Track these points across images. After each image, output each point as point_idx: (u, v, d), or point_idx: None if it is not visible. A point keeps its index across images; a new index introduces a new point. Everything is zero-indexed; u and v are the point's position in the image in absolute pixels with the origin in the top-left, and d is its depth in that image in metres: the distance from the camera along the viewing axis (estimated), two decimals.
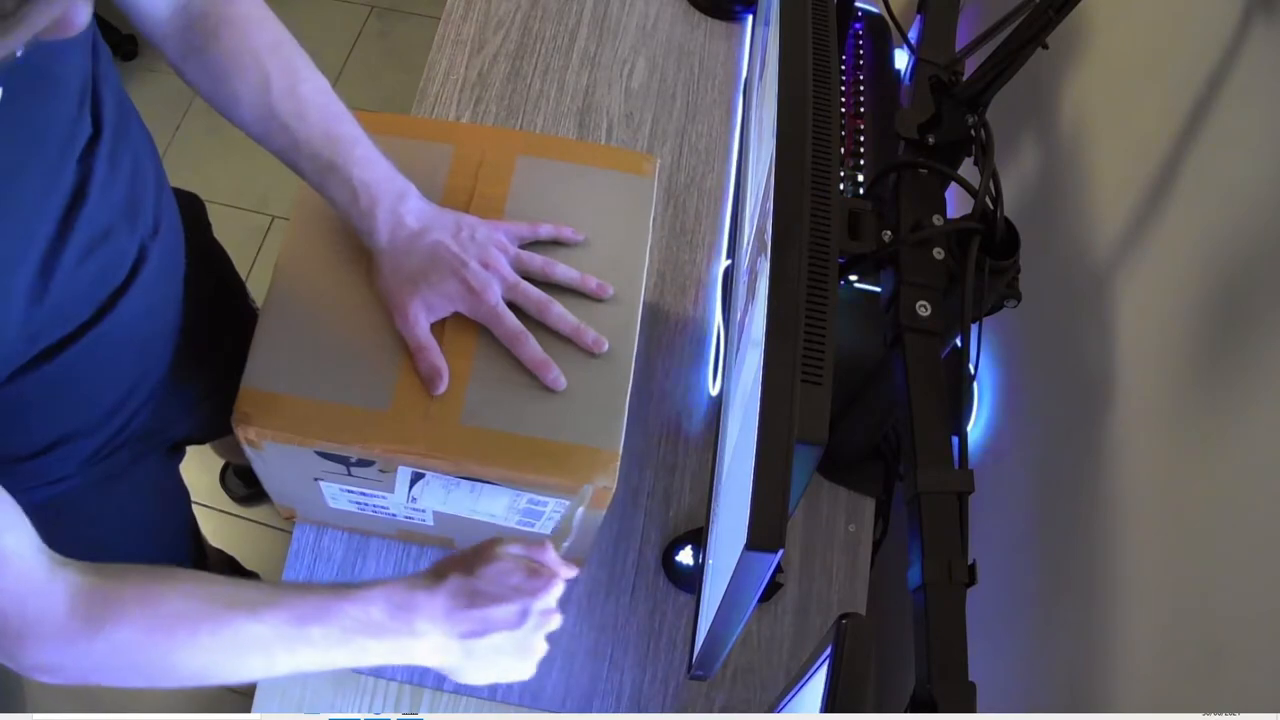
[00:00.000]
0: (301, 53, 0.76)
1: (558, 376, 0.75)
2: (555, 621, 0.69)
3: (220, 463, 1.69)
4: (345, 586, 0.64)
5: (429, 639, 0.65)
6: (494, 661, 0.68)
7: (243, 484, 1.69)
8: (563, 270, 0.79)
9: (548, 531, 0.83)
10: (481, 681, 0.69)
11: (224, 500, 1.70)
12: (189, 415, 0.94)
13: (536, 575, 0.68)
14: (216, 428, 0.99)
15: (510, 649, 0.68)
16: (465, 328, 0.77)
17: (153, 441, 0.90)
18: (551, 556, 0.70)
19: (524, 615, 0.66)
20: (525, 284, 0.77)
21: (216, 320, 0.93)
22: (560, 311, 0.77)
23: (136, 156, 0.72)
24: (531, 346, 0.75)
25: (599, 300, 0.79)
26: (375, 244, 0.76)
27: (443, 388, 0.74)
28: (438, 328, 0.76)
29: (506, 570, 0.67)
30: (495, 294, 0.76)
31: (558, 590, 0.69)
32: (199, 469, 1.67)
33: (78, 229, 0.64)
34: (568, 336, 0.77)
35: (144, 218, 0.73)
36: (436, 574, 0.67)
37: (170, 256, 0.80)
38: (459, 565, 0.68)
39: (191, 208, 0.97)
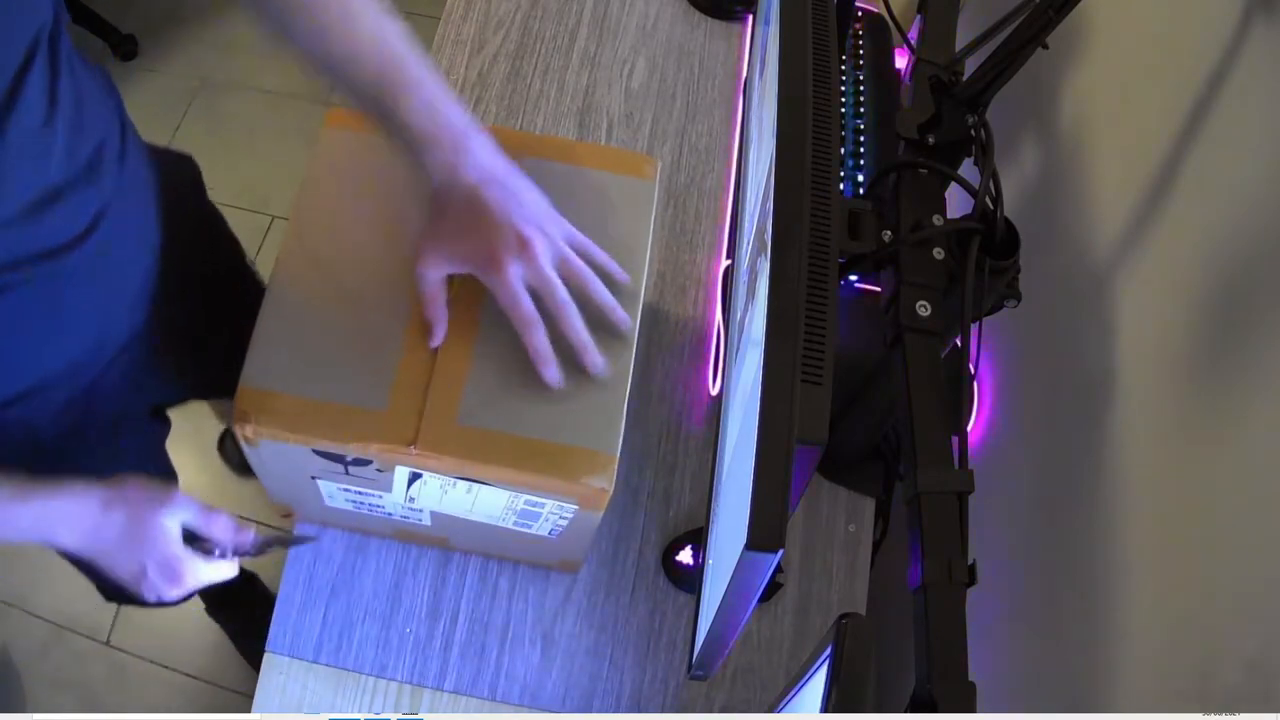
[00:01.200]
0: None
1: (556, 373, 0.75)
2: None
3: (219, 429, 1.68)
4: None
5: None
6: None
7: (239, 452, 1.67)
8: (599, 254, 0.78)
9: (545, 533, 0.83)
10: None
11: (224, 499, 1.69)
12: (179, 376, 0.94)
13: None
14: (218, 386, 0.97)
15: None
16: (464, 328, 0.77)
17: (134, 403, 0.89)
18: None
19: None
20: (556, 282, 0.75)
21: (210, 286, 0.92)
22: (578, 324, 0.75)
23: (94, 121, 0.72)
24: (541, 337, 0.74)
25: (602, 314, 0.78)
26: (429, 187, 0.75)
27: (439, 339, 0.75)
28: None
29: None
30: (518, 275, 0.73)
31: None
32: (198, 470, 1.67)
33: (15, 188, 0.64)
34: (574, 347, 0.75)
35: (104, 180, 0.73)
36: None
37: (129, 220, 0.79)
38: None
39: (183, 171, 0.95)
